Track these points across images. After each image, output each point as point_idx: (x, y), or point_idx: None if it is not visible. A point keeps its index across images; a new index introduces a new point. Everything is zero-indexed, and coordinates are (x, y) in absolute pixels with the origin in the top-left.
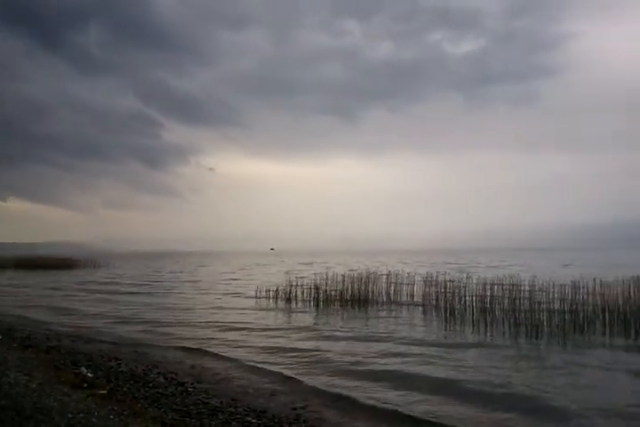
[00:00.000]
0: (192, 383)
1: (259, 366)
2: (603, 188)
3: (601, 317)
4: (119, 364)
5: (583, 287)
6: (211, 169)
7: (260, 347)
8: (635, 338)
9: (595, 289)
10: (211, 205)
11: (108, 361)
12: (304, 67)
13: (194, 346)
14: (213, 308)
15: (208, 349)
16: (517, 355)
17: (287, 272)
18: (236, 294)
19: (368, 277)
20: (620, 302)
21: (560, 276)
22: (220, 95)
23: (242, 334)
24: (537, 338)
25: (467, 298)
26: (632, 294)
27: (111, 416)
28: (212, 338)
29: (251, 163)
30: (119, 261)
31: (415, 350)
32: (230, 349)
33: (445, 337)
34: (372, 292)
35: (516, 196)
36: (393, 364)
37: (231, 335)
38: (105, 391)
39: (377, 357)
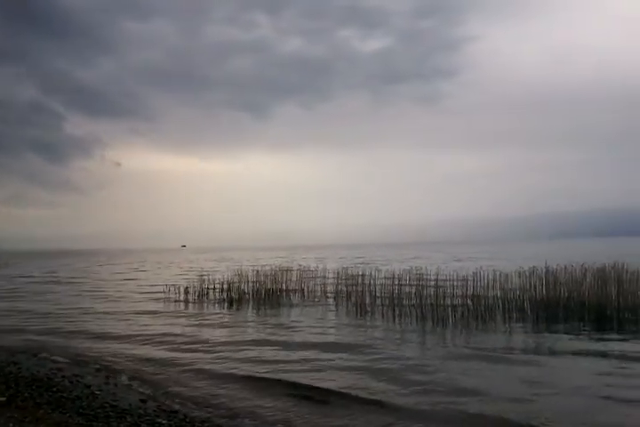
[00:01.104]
0: (99, 386)
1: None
2: (506, 184)
3: (500, 306)
4: (19, 369)
5: (484, 279)
6: (117, 164)
7: (171, 347)
8: (532, 325)
9: (495, 280)
10: (118, 201)
11: (6, 366)
12: (214, 60)
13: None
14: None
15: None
16: (419, 341)
17: (198, 269)
18: (141, 294)
19: (281, 273)
20: (518, 292)
21: (462, 268)
22: (127, 87)
23: (152, 335)
24: (443, 327)
25: (376, 291)
26: (529, 284)
27: (10, 424)
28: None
29: (160, 158)
30: (14, 260)
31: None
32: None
33: (356, 328)
34: (285, 287)
35: (424, 192)
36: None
37: (141, 337)
38: (4, 398)
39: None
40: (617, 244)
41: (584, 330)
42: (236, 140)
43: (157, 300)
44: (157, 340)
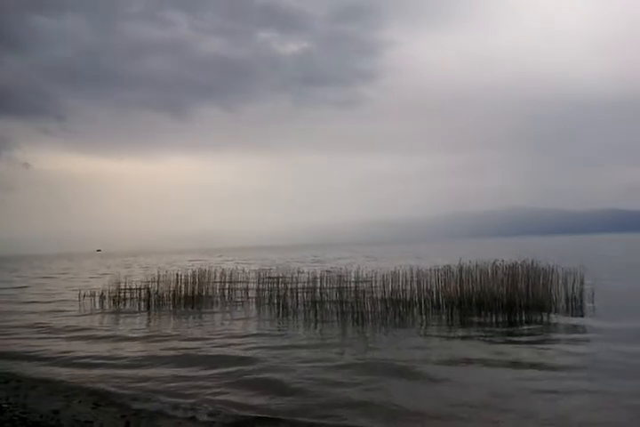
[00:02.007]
0: (7, 399)
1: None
2: (422, 185)
3: (417, 302)
4: None
5: (402, 277)
6: (25, 165)
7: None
8: (447, 320)
9: (412, 278)
10: (27, 204)
11: None
12: (129, 58)
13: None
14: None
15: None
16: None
17: (113, 275)
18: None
19: (202, 276)
20: (434, 288)
21: (381, 268)
22: (37, 86)
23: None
24: (362, 325)
25: (298, 292)
26: (444, 282)
27: None
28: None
29: (74, 158)
30: None
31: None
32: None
33: (279, 329)
34: (206, 290)
35: (346, 194)
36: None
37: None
38: None
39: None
40: (526, 242)
41: (496, 325)
42: (154, 140)
43: (56, 311)
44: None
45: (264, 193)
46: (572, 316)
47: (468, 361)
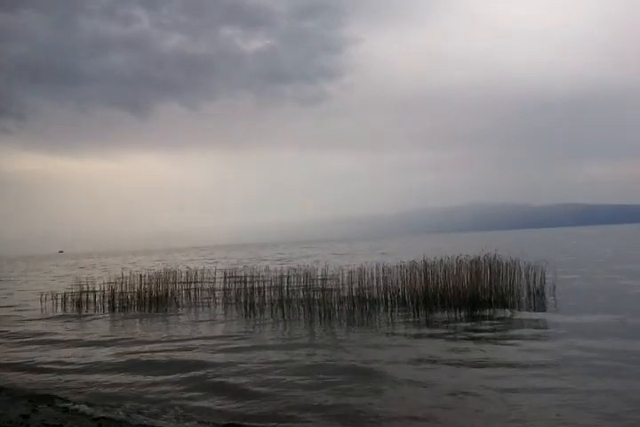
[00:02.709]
0: None
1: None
2: (392, 182)
3: (384, 298)
4: None
5: (369, 273)
6: None
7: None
8: (412, 316)
9: (379, 275)
10: None
11: None
12: (89, 55)
13: None
14: None
15: None
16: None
17: (76, 276)
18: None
19: (167, 276)
20: (400, 285)
21: (348, 264)
22: None
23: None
24: (329, 323)
25: (265, 291)
26: (410, 277)
27: None
28: None
29: (31, 158)
30: None
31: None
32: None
33: (246, 330)
34: (172, 291)
35: (311, 191)
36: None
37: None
38: None
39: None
40: (491, 237)
41: (460, 320)
42: (115, 138)
43: (15, 316)
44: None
45: (230, 191)
46: (534, 310)
47: (434, 360)
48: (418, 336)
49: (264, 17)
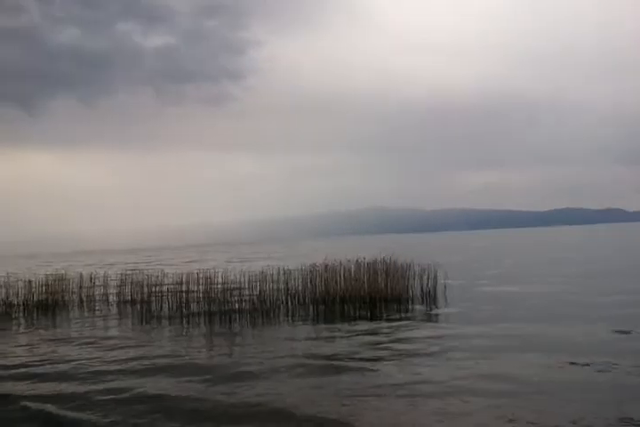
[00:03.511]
0: None
1: None
2: (290, 185)
3: (284, 300)
4: None
5: (270, 277)
6: None
7: None
8: (312, 318)
9: (280, 278)
10: None
11: None
12: None
13: None
14: None
15: None
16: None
17: None
18: None
19: (58, 282)
20: (301, 287)
21: (251, 267)
22: None
23: None
24: (230, 328)
25: (163, 295)
26: (310, 280)
27: None
28: None
29: None
30: None
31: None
32: None
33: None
34: (63, 297)
35: (215, 193)
36: None
37: None
38: None
39: None
40: (389, 240)
41: (359, 319)
42: (4, 135)
43: None
44: None
45: (130, 192)
46: (427, 308)
47: (329, 358)
48: (316, 338)
49: (164, 14)
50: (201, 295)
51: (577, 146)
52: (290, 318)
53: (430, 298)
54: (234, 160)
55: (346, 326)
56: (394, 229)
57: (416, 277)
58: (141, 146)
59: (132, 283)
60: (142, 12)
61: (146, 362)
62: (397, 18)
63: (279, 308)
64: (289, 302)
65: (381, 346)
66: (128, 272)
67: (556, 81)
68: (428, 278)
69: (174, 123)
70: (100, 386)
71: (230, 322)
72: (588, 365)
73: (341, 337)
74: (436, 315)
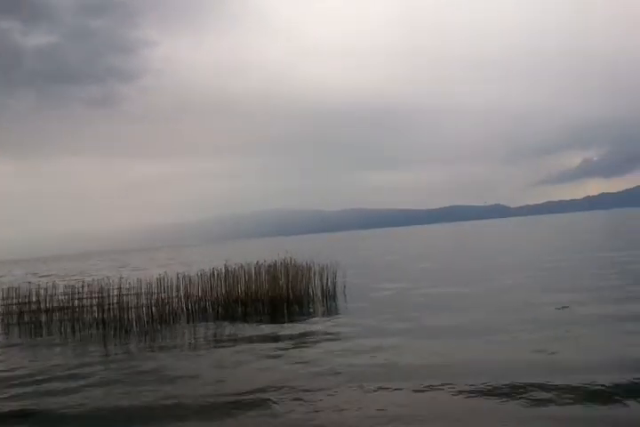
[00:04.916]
0: None
1: None
2: (191, 189)
3: (184, 307)
4: None
5: (169, 282)
6: None
7: None
8: (214, 323)
9: (179, 284)
10: None
11: None
12: None
13: None
14: None
15: None
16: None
17: None
18: None
19: None
20: (200, 293)
21: (147, 275)
22: None
23: None
24: (126, 338)
25: (53, 308)
26: (210, 285)
27: None
28: None
29: None
30: None
31: None
32: None
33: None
34: None
35: (109, 199)
36: None
37: None
38: None
39: None
40: (289, 241)
41: (260, 322)
42: None
43: None
44: None
45: (20, 201)
46: (327, 309)
47: (237, 364)
48: (218, 346)
49: (47, 11)
50: (95, 306)
51: (465, 147)
52: (190, 327)
53: (330, 299)
54: (133, 165)
55: (247, 334)
56: (295, 231)
57: (316, 278)
58: (17, 150)
59: (18, 295)
60: (21, 9)
61: None
62: (294, 20)
63: (179, 316)
64: (189, 309)
65: (277, 352)
66: (16, 284)
67: (450, 85)
68: (327, 278)
69: (55, 126)
70: None
71: (126, 333)
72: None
73: (243, 346)
74: (338, 319)
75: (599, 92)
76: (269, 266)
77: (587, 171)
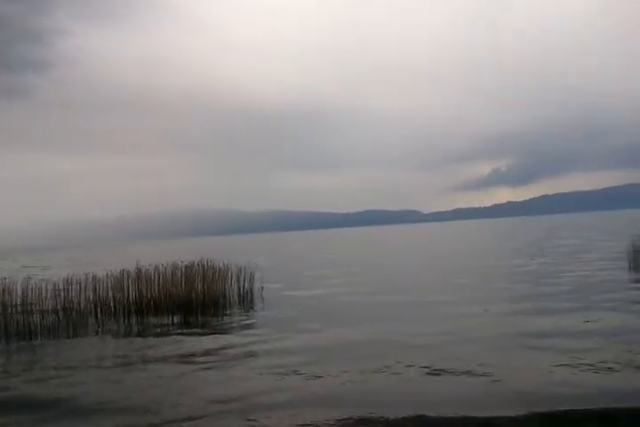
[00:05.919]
0: None
1: None
2: (103, 186)
3: (93, 310)
4: None
5: (77, 283)
6: None
7: None
8: (124, 327)
9: (87, 286)
10: None
11: None
12: None
13: None
14: None
15: None
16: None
17: None
18: None
19: None
20: (111, 294)
21: (54, 276)
22: None
23: None
24: (30, 341)
25: None
26: (121, 286)
27: None
28: None
29: None
30: None
31: None
32: None
33: None
34: None
35: (19, 194)
36: None
37: None
38: None
39: None
40: (206, 242)
41: (172, 326)
42: None
43: None
44: None
45: None
46: (244, 310)
47: (143, 367)
48: (127, 349)
49: None
50: None
51: (383, 153)
52: (99, 330)
53: (247, 300)
54: (41, 159)
55: (158, 338)
56: (212, 231)
57: (233, 280)
58: None
59: None
60: None
61: None
62: (219, 16)
63: (87, 319)
64: (98, 313)
65: (197, 363)
66: None
67: (375, 88)
68: (244, 281)
69: None
70: None
71: (30, 337)
72: None
73: (153, 351)
74: (254, 319)
75: (512, 106)
76: (186, 267)
77: (495, 180)
